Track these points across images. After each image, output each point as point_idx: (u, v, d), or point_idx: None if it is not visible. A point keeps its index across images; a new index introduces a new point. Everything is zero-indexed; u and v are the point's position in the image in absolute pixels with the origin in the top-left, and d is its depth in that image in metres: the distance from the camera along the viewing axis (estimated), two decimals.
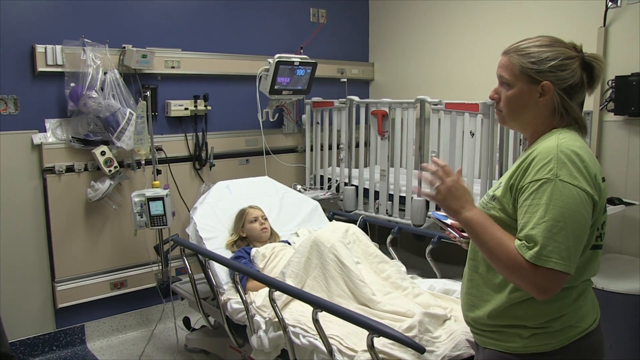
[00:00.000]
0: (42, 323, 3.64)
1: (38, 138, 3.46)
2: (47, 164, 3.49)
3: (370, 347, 1.96)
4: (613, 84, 3.48)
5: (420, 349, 1.87)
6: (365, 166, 4.14)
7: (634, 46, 3.41)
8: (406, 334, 2.18)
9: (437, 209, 3.30)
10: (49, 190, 3.51)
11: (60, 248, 3.59)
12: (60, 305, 3.62)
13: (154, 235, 3.71)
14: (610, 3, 3.48)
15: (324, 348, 2.20)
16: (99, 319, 3.84)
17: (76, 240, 3.65)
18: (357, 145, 4.16)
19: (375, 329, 1.94)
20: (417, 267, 3.25)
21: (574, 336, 1.53)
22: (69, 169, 3.56)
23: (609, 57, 3.54)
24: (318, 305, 2.18)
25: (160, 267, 3.62)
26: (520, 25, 3.90)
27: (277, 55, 3.83)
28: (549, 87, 1.52)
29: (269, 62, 3.84)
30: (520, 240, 1.43)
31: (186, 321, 3.59)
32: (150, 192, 3.39)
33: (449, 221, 1.85)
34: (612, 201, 3.42)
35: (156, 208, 3.38)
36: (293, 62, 3.90)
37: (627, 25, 3.44)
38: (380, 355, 2.10)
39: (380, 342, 2.09)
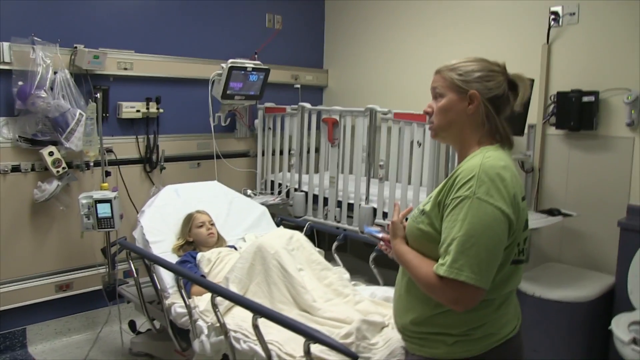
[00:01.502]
0: None
1: None
2: None
3: (307, 353, 2.02)
4: (555, 99, 3.62)
5: (353, 356, 1.93)
6: (316, 172, 4.19)
7: (574, 64, 3.56)
8: (343, 341, 2.24)
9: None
10: None
11: (4, 249, 3.53)
12: (2, 308, 3.55)
13: (102, 237, 3.68)
14: (552, 22, 3.62)
15: (263, 354, 2.24)
16: (42, 322, 3.78)
17: (21, 241, 3.60)
18: (308, 152, 4.20)
19: (310, 336, 2.00)
20: (365, 273, 3.32)
21: (495, 342, 1.62)
22: (15, 169, 3.51)
23: (552, 73, 3.68)
24: (257, 311, 2.22)
25: (107, 269, 3.60)
26: (471, 41, 4.01)
27: (230, 61, 3.86)
28: (475, 95, 1.61)
29: (222, 67, 3.87)
30: (440, 254, 1.53)
31: (132, 324, 3.58)
32: (98, 194, 3.38)
33: (380, 235, 1.95)
34: (552, 212, 3.55)
35: (104, 210, 3.36)
36: (246, 67, 3.94)
37: (567, 43, 3.59)
38: None
39: (317, 349, 2.15)
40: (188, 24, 4.26)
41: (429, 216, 1.63)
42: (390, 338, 2.31)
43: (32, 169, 3.56)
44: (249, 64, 3.97)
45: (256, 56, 4.42)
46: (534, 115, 3.72)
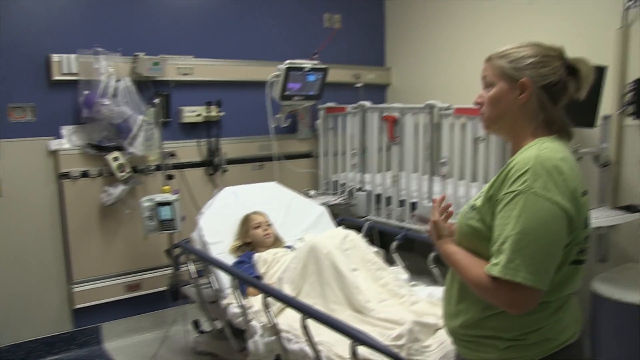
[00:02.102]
0: (60, 322, 3.76)
1: (54, 144, 3.58)
2: (63, 169, 3.61)
3: (353, 354, 1.98)
4: (633, 87, 3.40)
5: (397, 359, 1.88)
6: (378, 172, 4.14)
7: None
8: (394, 343, 2.20)
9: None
10: (65, 195, 3.63)
11: (76, 251, 3.71)
12: (77, 306, 3.74)
13: (167, 239, 3.78)
14: (629, 3, 3.39)
15: (312, 354, 2.23)
16: (115, 320, 3.95)
17: (92, 243, 3.77)
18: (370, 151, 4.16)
19: (356, 338, 1.96)
20: (432, 274, 3.23)
21: (552, 349, 1.50)
22: (84, 174, 3.67)
23: (629, 60, 3.45)
24: (305, 312, 2.22)
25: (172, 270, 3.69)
26: (535, 31, 3.84)
27: (287, 61, 3.87)
28: (527, 84, 1.50)
29: (279, 68, 3.89)
30: (492, 253, 1.43)
31: (195, 324, 3.65)
32: (159, 197, 3.47)
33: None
34: (631, 208, 3.35)
35: (165, 213, 3.46)
36: (303, 67, 3.94)
37: None
38: None
39: (368, 350, 2.11)
40: (246, 27, 4.32)
41: (479, 212, 1.53)
42: (444, 340, 2.24)
43: (100, 174, 3.72)
44: (307, 64, 3.97)
45: (315, 57, 4.41)
46: (609, 106, 3.50)
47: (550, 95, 1.52)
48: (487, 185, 1.55)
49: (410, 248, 4.35)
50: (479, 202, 1.55)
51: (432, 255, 3.05)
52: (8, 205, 3.49)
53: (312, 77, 4.02)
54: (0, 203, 3.46)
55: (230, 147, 4.25)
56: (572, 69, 1.53)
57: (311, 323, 2.21)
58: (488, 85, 1.59)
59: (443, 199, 1.76)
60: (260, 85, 4.09)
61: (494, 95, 1.57)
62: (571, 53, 1.59)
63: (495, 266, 1.39)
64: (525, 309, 1.41)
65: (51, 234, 3.66)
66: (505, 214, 1.41)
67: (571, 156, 1.51)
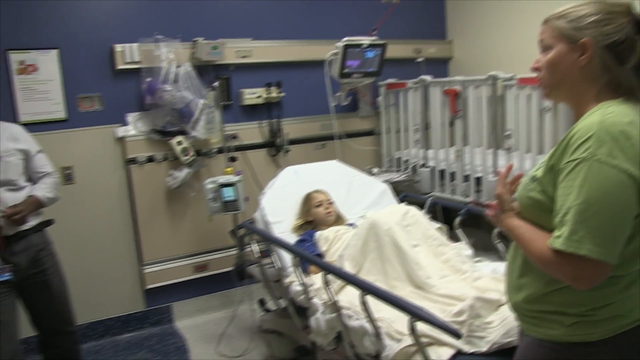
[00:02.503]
0: (133, 302, 3.94)
1: (121, 131, 3.72)
2: (130, 155, 3.74)
3: (412, 330, 1.95)
4: None
5: (457, 334, 1.83)
6: (441, 147, 4.06)
7: None
8: (455, 319, 2.16)
9: None
10: (133, 179, 3.77)
11: (146, 233, 3.85)
12: (149, 286, 3.89)
13: (231, 220, 3.85)
14: None
15: (372, 331, 2.21)
16: (185, 299, 4.08)
17: (160, 225, 3.89)
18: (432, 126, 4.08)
19: (414, 314, 1.93)
20: (497, 250, 3.15)
21: (622, 327, 1.41)
22: (150, 159, 3.80)
23: None
24: (364, 288, 2.20)
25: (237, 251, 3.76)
26: None
27: (345, 39, 3.83)
28: (587, 44, 1.40)
29: (337, 46, 3.85)
30: (555, 225, 1.36)
31: (261, 303, 3.71)
32: (222, 179, 3.54)
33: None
34: None
35: (228, 194, 3.52)
36: (361, 44, 3.89)
37: None
38: (427, 340, 2.09)
39: (428, 327, 2.07)
40: (303, 7, 4.31)
41: (540, 183, 1.45)
42: (507, 316, 2.16)
43: (165, 159, 3.83)
44: (365, 40, 3.92)
45: (374, 33, 4.34)
46: None
47: (615, 55, 1.40)
48: (547, 155, 1.46)
49: (476, 224, 4.25)
50: (539, 173, 1.47)
51: (496, 230, 2.97)
52: (81, 191, 3.65)
53: (370, 54, 3.96)
54: (74, 190, 3.61)
55: (291, 127, 4.27)
56: None
57: (371, 300, 2.20)
58: (546, 48, 1.50)
59: (510, 169, 1.69)
60: (319, 64, 4.08)
61: (552, 59, 1.47)
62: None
63: (558, 238, 1.32)
64: (592, 284, 1.33)
65: (122, 217, 3.82)
66: (568, 183, 1.33)
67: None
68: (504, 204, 1.59)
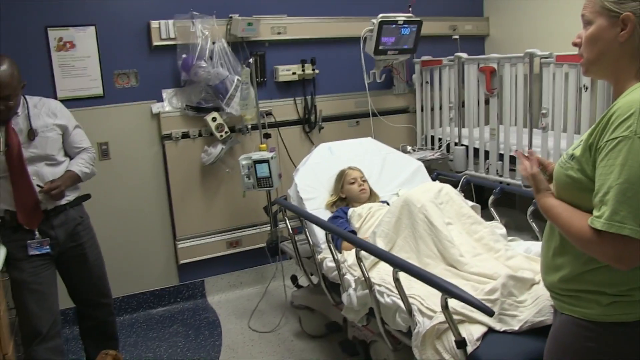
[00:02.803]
0: (167, 277, 4.01)
1: (156, 107, 3.75)
2: (165, 131, 3.78)
3: (445, 307, 1.95)
4: None
5: (489, 312, 1.82)
6: (476, 125, 4.00)
7: None
8: (487, 297, 2.14)
9: None
10: (167, 155, 3.82)
11: (179, 209, 3.90)
12: (182, 262, 3.94)
13: (264, 196, 3.88)
14: None
15: (404, 307, 2.21)
16: (217, 275, 4.14)
17: (193, 201, 3.94)
18: (468, 104, 4.02)
19: (447, 290, 1.92)
20: (532, 230, 3.11)
21: None
22: (185, 135, 3.83)
23: None
24: (397, 265, 2.20)
25: (270, 227, 3.78)
26: None
27: (380, 15, 3.79)
28: (629, 18, 1.35)
29: (373, 23, 3.81)
30: (594, 205, 1.34)
31: (293, 279, 3.74)
32: (256, 155, 3.55)
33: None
34: None
35: (262, 170, 3.53)
36: (397, 21, 3.84)
37: None
38: (459, 317, 2.08)
39: (459, 304, 2.07)
40: None
41: (579, 161, 1.42)
42: (540, 295, 2.15)
43: (199, 135, 3.86)
44: (400, 16, 3.86)
45: (410, 9, 4.28)
46: None
47: None
48: (586, 133, 1.43)
49: (510, 204, 4.21)
50: (578, 152, 1.44)
51: (530, 209, 2.93)
52: (116, 167, 3.71)
53: (406, 30, 3.91)
54: (110, 165, 3.67)
55: (325, 104, 4.26)
56: None
57: (403, 276, 2.19)
58: (587, 23, 1.45)
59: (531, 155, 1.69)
60: (354, 41, 4.04)
61: (593, 34, 1.43)
62: None
63: (599, 219, 1.30)
64: (635, 264, 1.31)
65: (157, 193, 3.87)
66: (609, 162, 1.30)
67: None
68: (539, 183, 1.57)
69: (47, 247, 2.68)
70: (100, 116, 3.62)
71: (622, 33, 1.37)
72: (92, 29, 3.54)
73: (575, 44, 1.52)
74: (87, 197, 2.91)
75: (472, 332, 2.03)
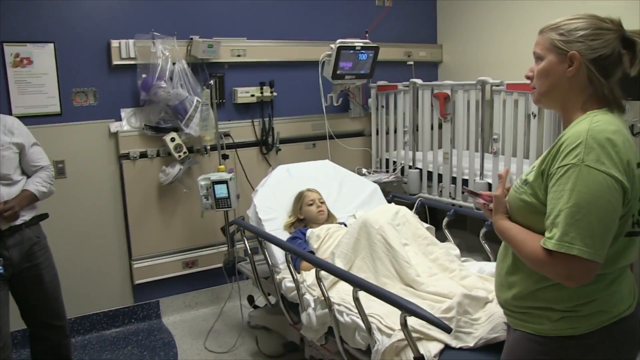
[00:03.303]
0: (122, 297, 3.95)
1: (114, 127, 3.74)
2: (123, 150, 3.76)
3: (404, 325, 2.02)
4: None
5: (446, 329, 1.90)
6: (430, 149, 4.13)
7: None
8: (444, 315, 2.22)
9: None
10: (125, 175, 3.79)
11: (136, 229, 3.87)
12: (137, 282, 3.91)
13: (222, 217, 3.89)
14: None
15: (364, 326, 2.27)
16: (173, 295, 4.11)
17: (150, 221, 3.92)
18: (422, 129, 4.15)
19: (406, 309, 1.99)
20: (484, 251, 3.22)
21: (605, 321, 1.50)
22: (143, 155, 3.82)
23: None
24: (357, 284, 2.26)
25: (227, 247, 3.80)
26: (594, 4, 3.74)
27: (339, 41, 3.89)
28: (575, 57, 1.49)
29: (331, 48, 3.91)
30: (547, 227, 1.44)
31: (250, 299, 3.75)
32: (215, 176, 3.57)
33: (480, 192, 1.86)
34: None
35: (221, 191, 3.55)
36: (355, 46, 3.95)
37: None
38: (417, 335, 2.15)
39: (417, 322, 2.14)
40: (298, 7, 4.36)
41: (532, 186, 1.53)
42: (494, 313, 2.24)
43: (157, 155, 3.86)
44: (358, 42, 3.98)
45: (367, 35, 4.42)
46: None
47: (601, 68, 1.49)
48: (539, 160, 1.55)
49: (462, 226, 4.33)
50: (531, 177, 1.55)
51: (483, 231, 3.04)
52: (72, 185, 3.66)
53: (363, 56, 4.03)
54: (66, 183, 3.62)
55: (283, 126, 4.32)
56: (628, 42, 1.50)
57: (362, 296, 2.25)
58: (538, 58, 1.59)
59: (507, 172, 1.78)
60: (312, 64, 4.13)
61: (543, 68, 1.56)
62: (630, 24, 1.56)
63: (550, 239, 1.40)
64: (583, 281, 1.41)
65: (114, 212, 3.83)
66: (559, 187, 1.41)
67: (624, 128, 1.48)
68: (499, 206, 1.66)
69: (1, 267, 2.60)
70: (57, 134, 3.57)
71: (569, 69, 1.51)
72: (50, 46, 3.51)
73: (527, 77, 1.65)
74: (44, 216, 2.85)
75: (429, 349, 2.10)
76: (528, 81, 1.66)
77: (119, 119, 3.76)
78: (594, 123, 1.44)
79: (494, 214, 1.67)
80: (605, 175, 1.37)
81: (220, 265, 3.99)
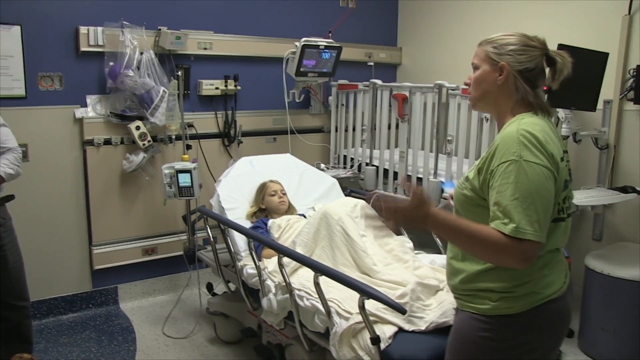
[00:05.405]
0: (80, 282, 3.98)
1: (80, 112, 3.76)
2: (87, 136, 3.79)
3: (362, 308, 2.17)
4: (634, 73, 3.54)
5: (401, 311, 2.07)
6: (387, 148, 4.30)
7: None
8: (398, 300, 2.38)
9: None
10: (88, 161, 3.82)
11: (97, 214, 3.91)
12: (97, 267, 3.94)
13: (183, 205, 3.96)
14: None
15: (323, 310, 2.41)
16: (131, 282, 4.16)
17: (112, 207, 3.96)
18: (380, 128, 4.30)
19: (364, 292, 2.15)
20: (436, 246, 3.38)
21: (537, 301, 1.69)
22: (107, 142, 3.86)
23: (632, 45, 3.60)
24: (318, 269, 2.40)
25: (188, 236, 3.88)
26: (547, 15, 3.98)
27: (304, 39, 4.02)
28: (505, 67, 1.72)
29: (296, 45, 4.03)
30: (496, 216, 1.58)
31: (209, 286, 3.84)
32: (179, 165, 3.65)
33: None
34: (626, 189, 3.50)
35: (184, 180, 3.64)
36: (319, 45, 4.09)
37: None
38: (373, 319, 2.31)
39: (373, 306, 2.31)
40: (264, 5, 4.46)
41: (471, 183, 1.73)
42: (444, 300, 2.44)
43: (121, 142, 3.90)
44: (322, 42, 4.12)
45: (330, 35, 4.56)
46: (611, 91, 3.66)
47: (527, 79, 1.73)
48: (478, 160, 1.75)
49: None
50: (471, 175, 1.76)
51: None
52: (35, 169, 3.66)
53: (326, 55, 4.17)
54: (28, 167, 3.62)
55: (245, 119, 4.42)
56: (551, 59, 1.75)
57: (322, 281, 2.39)
58: (475, 68, 1.82)
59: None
60: (276, 61, 4.25)
61: (479, 76, 1.80)
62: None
63: (506, 226, 1.55)
64: (532, 263, 1.58)
65: (75, 197, 3.86)
66: (503, 181, 1.59)
67: (549, 127, 1.71)
68: (422, 196, 1.67)
69: None
70: (21, 117, 3.56)
71: (499, 77, 1.75)
72: (17, 29, 3.50)
73: (466, 84, 1.88)
74: (10, 197, 2.88)
75: (384, 331, 2.27)
76: (464, 86, 1.86)
77: (85, 105, 3.79)
78: (522, 124, 1.65)
79: (412, 221, 1.70)
80: (542, 167, 1.58)
81: (179, 253, 4.07)
